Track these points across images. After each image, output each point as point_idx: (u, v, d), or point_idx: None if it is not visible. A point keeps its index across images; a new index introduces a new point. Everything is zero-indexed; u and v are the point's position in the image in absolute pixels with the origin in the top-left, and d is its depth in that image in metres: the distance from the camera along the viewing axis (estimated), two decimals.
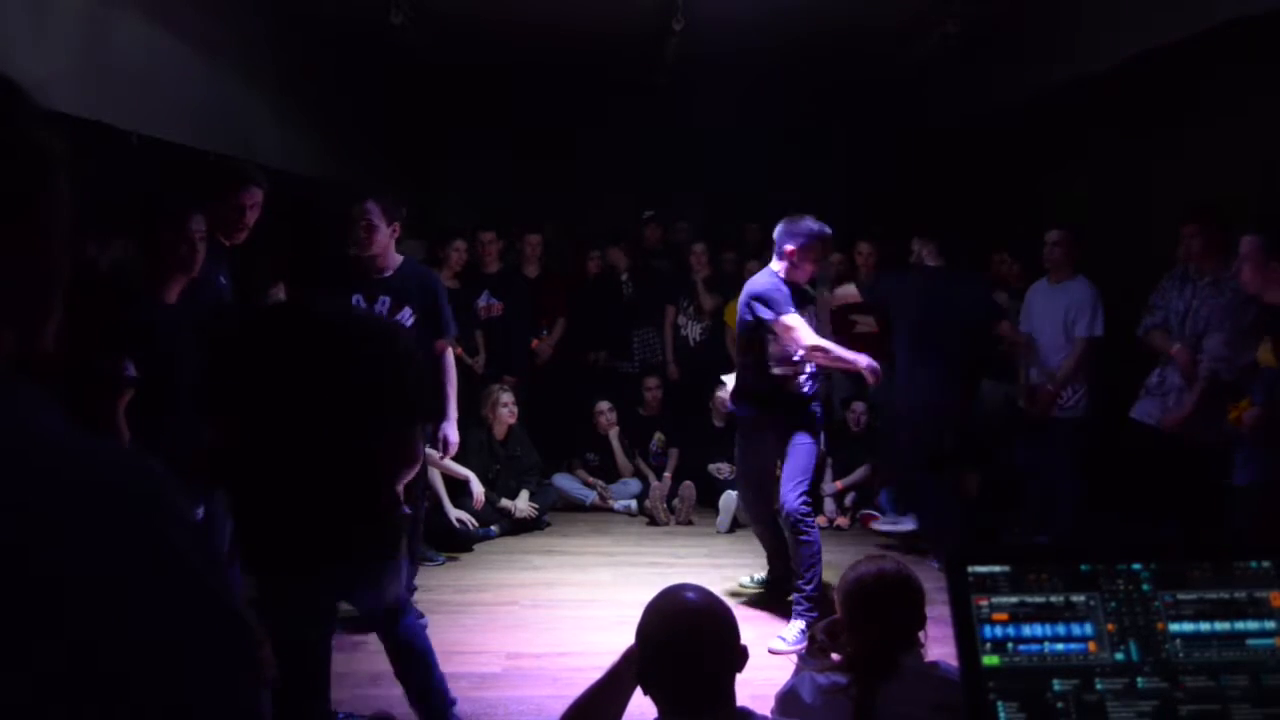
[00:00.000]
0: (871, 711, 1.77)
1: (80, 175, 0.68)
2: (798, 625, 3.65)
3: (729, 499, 5.23)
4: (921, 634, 1.93)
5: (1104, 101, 5.23)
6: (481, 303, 5.66)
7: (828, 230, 3.81)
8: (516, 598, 4.17)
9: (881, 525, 5.12)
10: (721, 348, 5.90)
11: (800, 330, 3.66)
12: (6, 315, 0.63)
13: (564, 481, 5.71)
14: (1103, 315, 4.39)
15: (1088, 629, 1.09)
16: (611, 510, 5.64)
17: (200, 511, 2.78)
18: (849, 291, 5.00)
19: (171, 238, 2.69)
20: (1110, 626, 1.09)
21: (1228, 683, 1.05)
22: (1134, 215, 4.87)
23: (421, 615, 3.09)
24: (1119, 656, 1.07)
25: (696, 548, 4.98)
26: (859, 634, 1.90)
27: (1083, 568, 1.12)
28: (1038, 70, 5.87)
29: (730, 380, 4.16)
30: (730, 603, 1.76)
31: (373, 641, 3.01)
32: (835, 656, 1.92)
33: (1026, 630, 1.09)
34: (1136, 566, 1.12)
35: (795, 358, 3.77)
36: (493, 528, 5.05)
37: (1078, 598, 1.11)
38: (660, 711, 1.59)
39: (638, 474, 5.85)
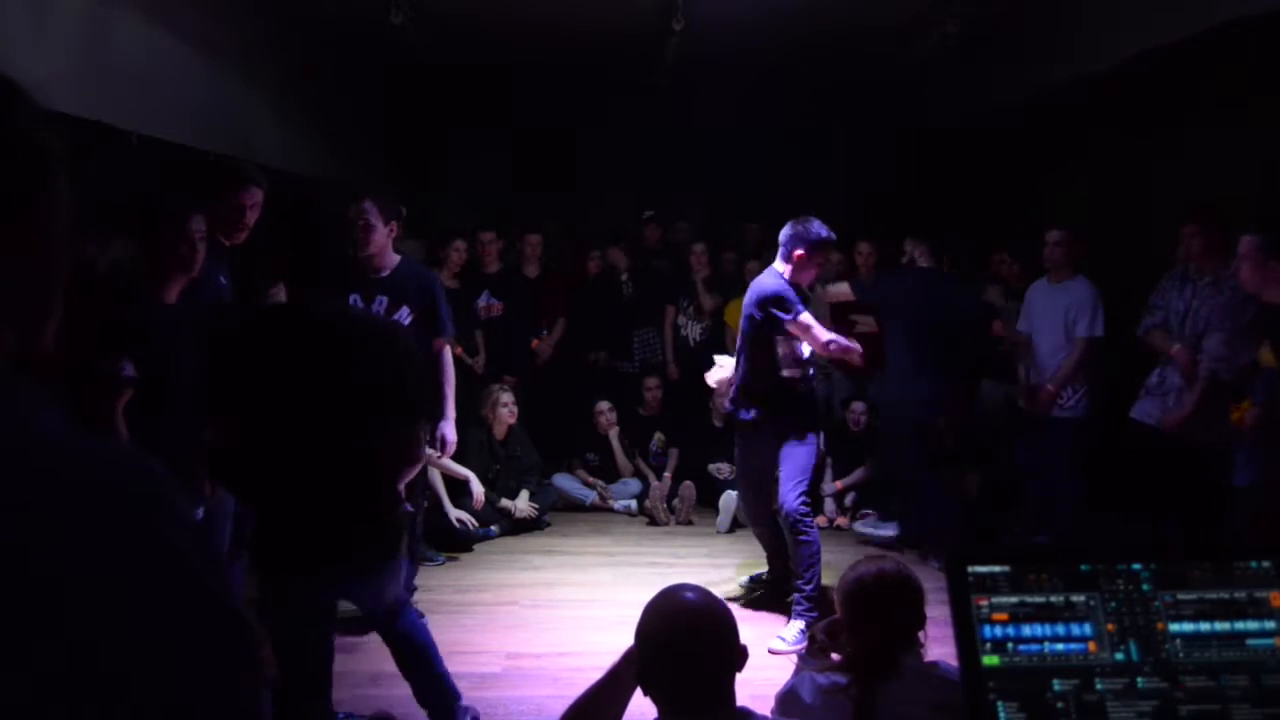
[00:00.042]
0: (871, 711, 1.77)
1: (80, 175, 0.68)
2: (797, 625, 3.66)
3: (729, 499, 5.23)
4: (921, 634, 1.93)
5: (1104, 101, 5.23)
6: (481, 303, 5.65)
7: (834, 236, 3.86)
8: (516, 598, 4.17)
9: (862, 528, 5.14)
10: (721, 348, 5.88)
11: (816, 328, 3.73)
12: (6, 315, 0.63)
13: (564, 481, 5.71)
14: (1103, 315, 4.39)
15: (1088, 629, 1.09)
16: (611, 510, 5.64)
17: (200, 511, 2.78)
18: (841, 290, 5.02)
19: (171, 238, 2.69)
20: (1110, 626, 1.09)
21: (1228, 683, 1.05)
22: (1134, 215, 4.87)
23: (421, 615, 3.09)
24: (1119, 656, 1.07)
25: (696, 548, 4.98)
26: (859, 634, 1.90)
27: (1083, 568, 1.12)
28: (1038, 70, 5.88)
29: (723, 360, 4.16)
30: (730, 603, 1.75)
31: (373, 641, 3.02)
32: (835, 656, 1.92)
33: (1026, 630, 1.09)
34: (1136, 566, 1.12)
35: (805, 356, 3.80)
36: (493, 528, 5.05)
37: (1078, 598, 1.11)
38: (660, 711, 1.59)
39: (638, 474, 5.85)
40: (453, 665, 2.81)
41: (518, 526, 5.16)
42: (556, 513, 5.49)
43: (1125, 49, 4.86)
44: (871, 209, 6.95)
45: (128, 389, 2.27)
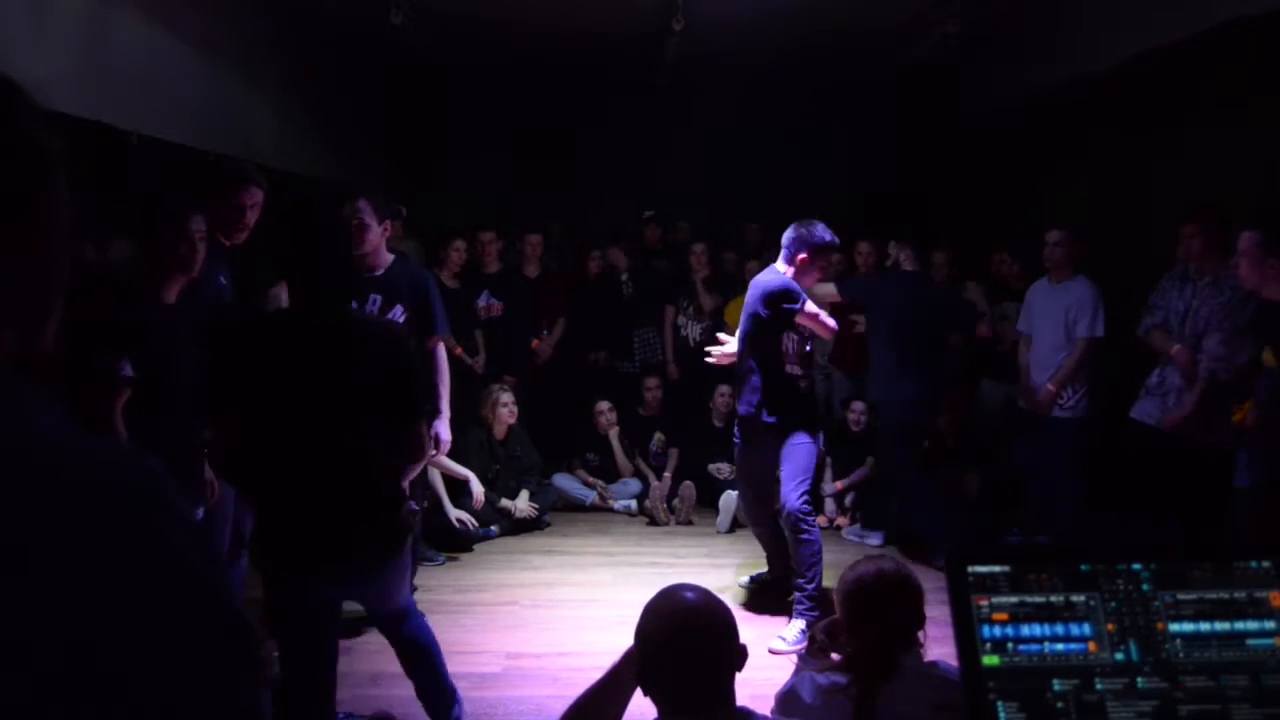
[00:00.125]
0: (871, 711, 1.77)
1: (80, 175, 0.68)
2: (798, 625, 3.66)
3: (729, 499, 5.23)
4: (921, 634, 1.93)
5: (1104, 101, 5.23)
6: (481, 303, 5.65)
7: (838, 240, 3.88)
8: (516, 598, 4.17)
9: (848, 534, 5.16)
10: None
11: (822, 314, 3.80)
12: (6, 315, 0.63)
13: (564, 481, 5.71)
14: (1103, 315, 4.39)
15: (1087, 629, 1.09)
16: (611, 510, 5.64)
17: (200, 511, 2.78)
18: (827, 290, 5.01)
19: (171, 238, 2.69)
20: (1110, 626, 1.09)
21: (1228, 683, 1.05)
22: (1134, 215, 4.87)
23: (421, 615, 3.09)
24: (1119, 656, 1.07)
25: (696, 548, 4.98)
26: (858, 634, 1.90)
27: (1083, 568, 1.12)
28: (1038, 70, 5.88)
29: (725, 338, 4.13)
30: (730, 603, 1.75)
31: (372, 641, 3.02)
32: (835, 656, 1.92)
33: (1026, 630, 1.09)
34: (1136, 566, 1.12)
35: (809, 349, 3.85)
36: (493, 528, 5.05)
37: (1078, 598, 1.11)
38: (660, 711, 1.59)
39: (638, 474, 5.85)
40: (453, 665, 2.81)
41: (518, 526, 5.16)
42: (556, 513, 5.49)
43: (1125, 49, 4.86)
44: (871, 209, 6.95)
45: (127, 389, 2.27)
